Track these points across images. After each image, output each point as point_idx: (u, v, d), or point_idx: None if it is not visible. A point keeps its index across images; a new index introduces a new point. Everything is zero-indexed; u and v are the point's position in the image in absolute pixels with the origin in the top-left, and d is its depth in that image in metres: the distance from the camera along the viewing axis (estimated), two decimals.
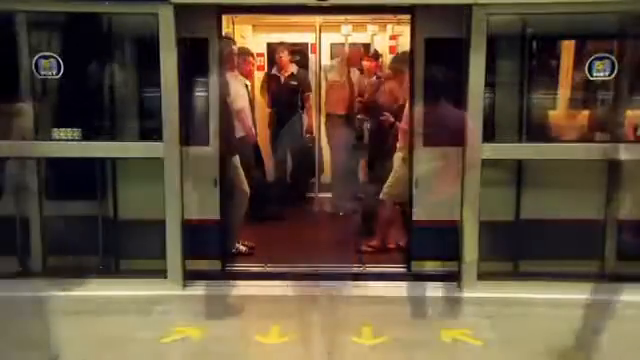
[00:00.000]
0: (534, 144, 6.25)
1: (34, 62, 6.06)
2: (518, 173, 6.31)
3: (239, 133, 7.47)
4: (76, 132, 6.16)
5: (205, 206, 6.42)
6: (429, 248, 6.41)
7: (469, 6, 5.84)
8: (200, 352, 5.06)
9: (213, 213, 6.46)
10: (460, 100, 6.13)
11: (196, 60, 6.29)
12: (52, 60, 6.06)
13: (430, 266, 6.44)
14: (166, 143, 6.06)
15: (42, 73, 6.10)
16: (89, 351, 5.06)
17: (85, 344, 5.15)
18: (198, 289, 6.27)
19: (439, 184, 6.30)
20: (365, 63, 9.13)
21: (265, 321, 5.53)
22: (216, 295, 6.20)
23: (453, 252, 6.31)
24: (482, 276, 6.19)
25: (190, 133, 6.31)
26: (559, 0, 5.87)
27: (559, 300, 5.94)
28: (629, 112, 6.38)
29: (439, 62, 6.25)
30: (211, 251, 6.50)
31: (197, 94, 6.41)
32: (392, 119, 7.34)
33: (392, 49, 9.50)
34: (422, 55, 6.26)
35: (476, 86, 5.91)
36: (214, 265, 6.51)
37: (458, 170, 6.19)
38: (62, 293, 6.04)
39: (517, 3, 5.92)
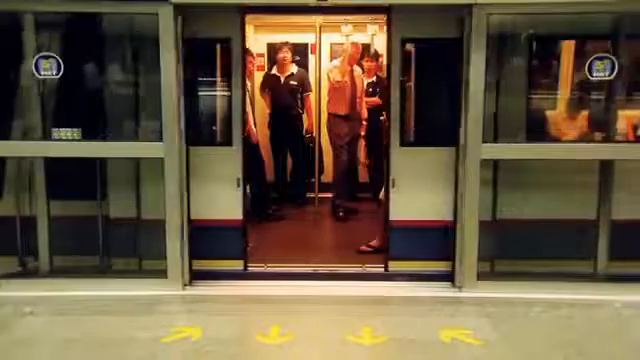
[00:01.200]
0: (534, 144, 6.25)
1: (34, 62, 6.05)
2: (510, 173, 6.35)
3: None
4: (76, 132, 6.16)
5: (227, 206, 6.43)
6: (406, 248, 6.43)
7: (469, 6, 5.84)
8: (200, 352, 5.05)
9: (235, 213, 6.46)
10: (440, 100, 6.21)
11: (220, 60, 6.33)
12: (52, 60, 6.05)
13: (407, 266, 6.45)
14: (166, 143, 6.06)
15: (42, 73, 6.10)
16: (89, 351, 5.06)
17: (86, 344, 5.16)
18: (198, 289, 6.27)
19: None
20: (365, 63, 9.14)
21: (266, 321, 5.52)
22: (216, 295, 6.19)
23: (432, 252, 6.35)
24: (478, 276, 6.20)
25: (213, 133, 6.35)
26: (559, 0, 5.86)
27: (559, 300, 5.94)
28: (629, 112, 6.38)
29: (416, 62, 6.36)
30: (233, 251, 6.50)
31: (220, 94, 6.44)
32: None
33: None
34: (398, 55, 6.29)
35: (476, 86, 5.91)
36: (236, 265, 6.52)
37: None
38: (63, 293, 6.06)
39: (517, 3, 5.92)
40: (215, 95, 6.49)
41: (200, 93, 6.40)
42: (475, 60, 5.87)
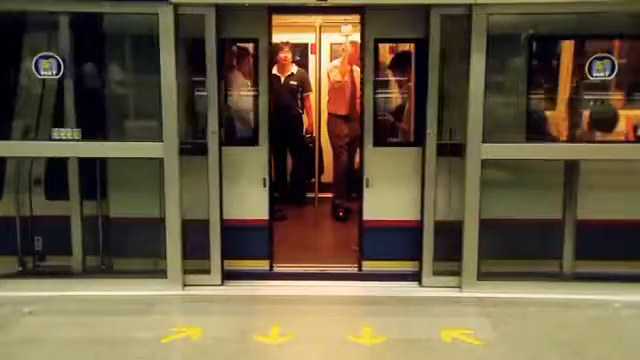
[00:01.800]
0: (534, 144, 6.25)
1: (34, 62, 6.04)
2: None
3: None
4: (76, 132, 6.15)
5: (254, 206, 6.45)
6: (380, 248, 6.45)
7: (469, 6, 5.84)
8: (199, 352, 5.05)
9: (261, 213, 6.48)
10: (410, 99, 6.33)
11: (246, 60, 6.40)
12: (52, 60, 6.04)
13: (381, 266, 6.48)
14: (166, 143, 6.05)
15: (42, 73, 6.09)
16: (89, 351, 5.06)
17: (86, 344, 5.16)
18: (198, 289, 6.25)
19: None
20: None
21: (266, 321, 5.52)
22: (216, 295, 6.18)
23: (405, 252, 6.35)
24: (438, 274, 6.25)
25: (240, 133, 6.36)
26: (559, 0, 5.86)
27: (559, 300, 5.95)
28: (629, 112, 6.39)
29: (389, 62, 6.49)
30: (259, 251, 6.52)
31: (246, 94, 6.50)
32: (392, 119, 7.33)
33: (391, 49, 9.50)
34: (372, 55, 6.35)
35: (476, 86, 5.91)
36: (262, 265, 6.53)
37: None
38: (63, 293, 6.05)
39: (517, 3, 5.91)
40: (242, 95, 6.52)
41: (228, 93, 6.46)
42: (475, 60, 5.87)
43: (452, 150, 6.17)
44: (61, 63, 6.04)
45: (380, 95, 6.51)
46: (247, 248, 6.43)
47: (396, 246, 6.42)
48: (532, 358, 4.96)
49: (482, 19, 5.83)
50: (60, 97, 6.26)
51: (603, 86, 6.28)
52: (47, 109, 6.33)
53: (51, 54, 6.06)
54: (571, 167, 6.27)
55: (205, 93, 6.12)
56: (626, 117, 6.51)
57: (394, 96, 6.85)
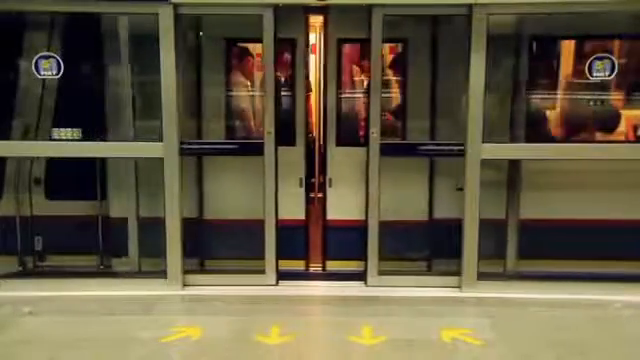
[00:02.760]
0: (534, 144, 6.26)
1: (34, 62, 6.04)
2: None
3: (241, 134, 7.46)
4: (76, 132, 6.15)
5: (292, 206, 6.46)
6: (342, 248, 6.46)
7: (469, 6, 5.84)
8: (199, 352, 5.05)
9: (299, 213, 6.49)
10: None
11: (284, 59, 6.42)
12: (52, 60, 6.04)
13: (344, 266, 6.49)
14: (166, 143, 6.05)
15: (42, 73, 6.09)
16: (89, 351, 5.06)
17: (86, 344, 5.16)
18: (198, 289, 6.25)
19: None
20: (365, 63, 9.11)
21: (266, 321, 5.52)
22: (215, 295, 6.16)
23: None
24: (385, 273, 6.23)
25: (280, 133, 6.35)
26: (559, 0, 5.86)
27: (559, 300, 5.95)
28: (629, 112, 6.40)
29: (352, 62, 6.57)
30: (297, 251, 6.52)
31: (284, 94, 6.52)
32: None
33: (391, 49, 9.49)
34: (335, 55, 6.37)
35: (476, 86, 5.91)
36: (298, 265, 6.56)
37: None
38: (63, 293, 6.05)
39: (517, 3, 5.92)
40: (281, 95, 6.55)
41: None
42: (475, 60, 5.87)
43: (404, 149, 6.21)
44: (61, 63, 6.03)
45: (345, 95, 6.57)
46: (284, 248, 6.36)
47: (360, 245, 6.32)
48: (531, 358, 4.96)
49: (482, 19, 5.82)
50: (62, 97, 6.27)
51: (603, 86, 6.30)
52: (47, 109, 6.32)
53: (51, 54, 6.06)
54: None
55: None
56: (626, 117, 6.53)
57: (361, 96, 6.85)
